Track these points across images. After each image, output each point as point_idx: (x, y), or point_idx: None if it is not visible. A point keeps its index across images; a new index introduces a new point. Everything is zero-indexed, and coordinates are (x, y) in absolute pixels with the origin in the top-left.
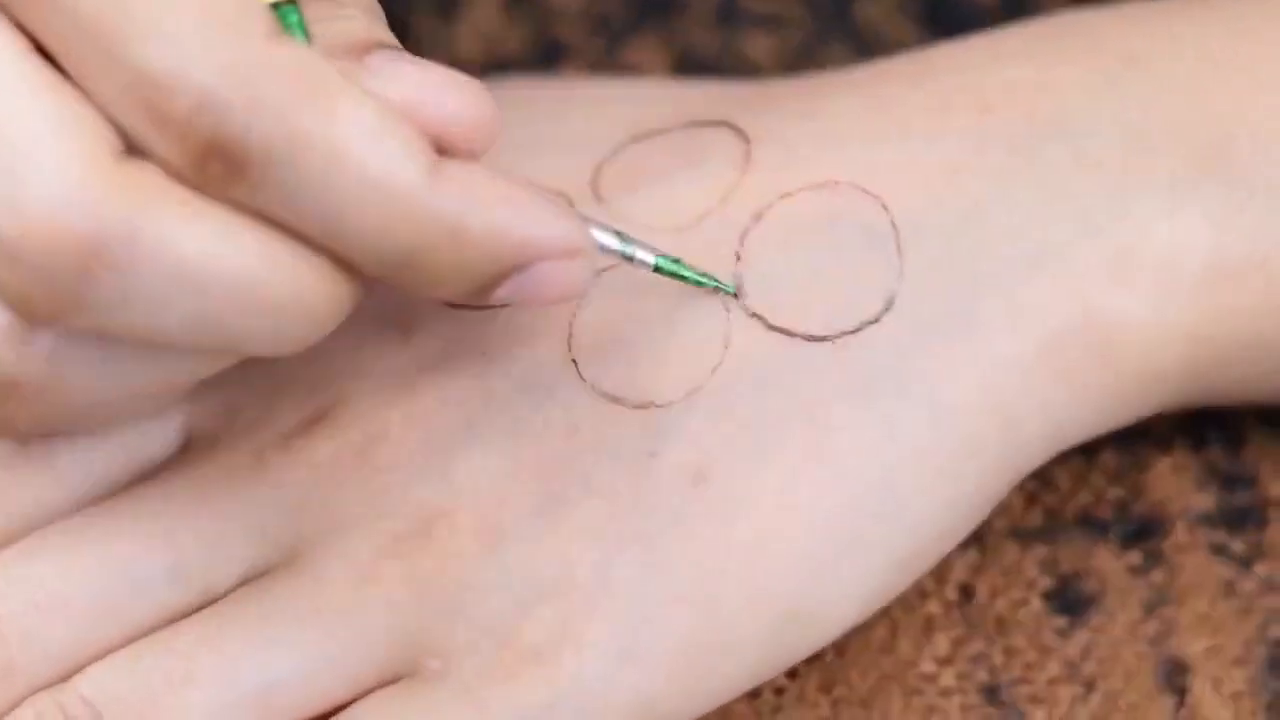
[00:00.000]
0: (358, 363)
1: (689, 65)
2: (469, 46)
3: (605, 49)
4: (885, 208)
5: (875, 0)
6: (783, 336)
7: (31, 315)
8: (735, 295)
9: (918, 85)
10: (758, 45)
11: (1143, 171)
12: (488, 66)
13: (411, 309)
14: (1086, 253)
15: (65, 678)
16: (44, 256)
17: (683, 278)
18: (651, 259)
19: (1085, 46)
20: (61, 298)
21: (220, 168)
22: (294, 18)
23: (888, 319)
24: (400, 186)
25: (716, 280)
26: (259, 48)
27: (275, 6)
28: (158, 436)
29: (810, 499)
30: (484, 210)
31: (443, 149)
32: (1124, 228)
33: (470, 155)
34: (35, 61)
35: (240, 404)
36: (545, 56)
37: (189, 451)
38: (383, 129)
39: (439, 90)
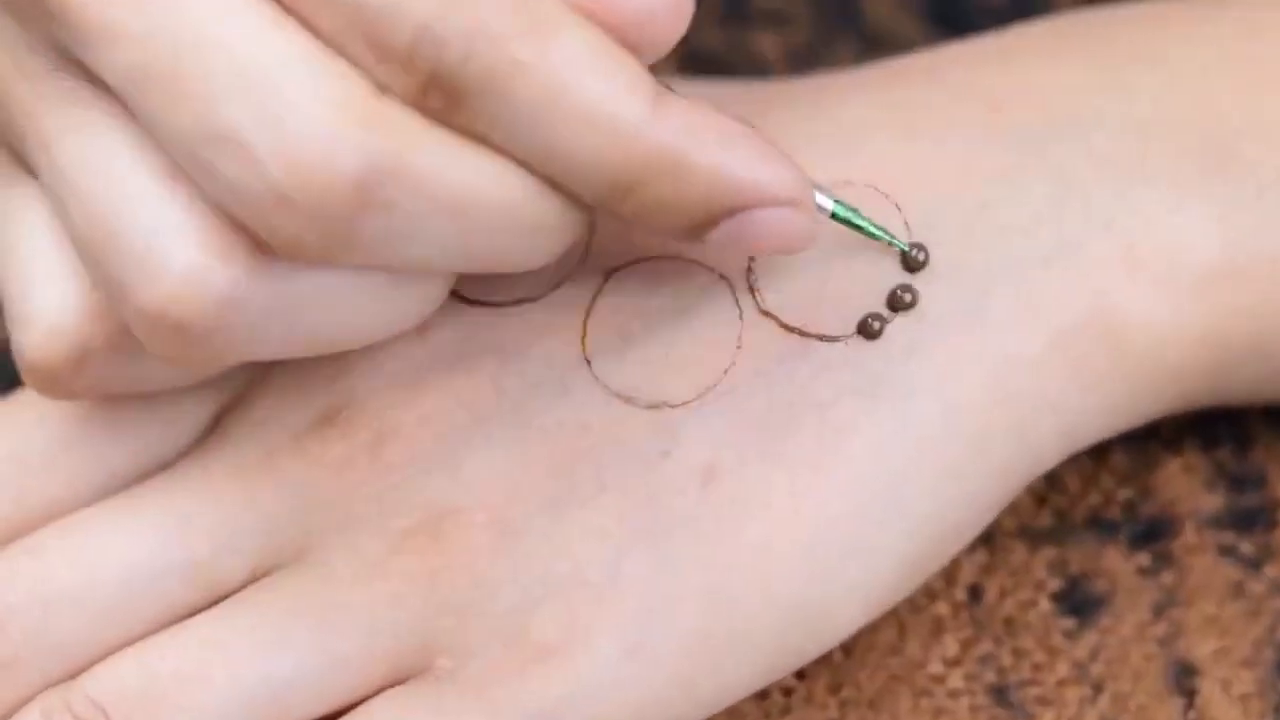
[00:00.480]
0: (370, 360)
1: (696, 62)
2: None
3: None
4: (898, 207)
5: None
6: (795, 336)
7: (301, 255)
8: (908, 252)
9: (928, 84)
10: (765, 42)
11: (1152, 168)
12: None
13: None
14: (1097, 250)
15: (72, 674)
16: (317, 197)
17: (858, 227)
18: (830, 205)
19: (1095, 45)
20: (335, 236)
21: (441, 98)
22: None
23: (899, 318)
24: (620, 119)
25: (891, 236)
26: (366, 92)
27: None
28: (171, 432)
29: (820, 499)
30: (705, 148)
31: (630, 45)
32: (1133, 225)
33: (654, 51)
34: (276, 8)
35: (252, 401)
36: None
37: (200, 448)
38: (602, 60)
39: None
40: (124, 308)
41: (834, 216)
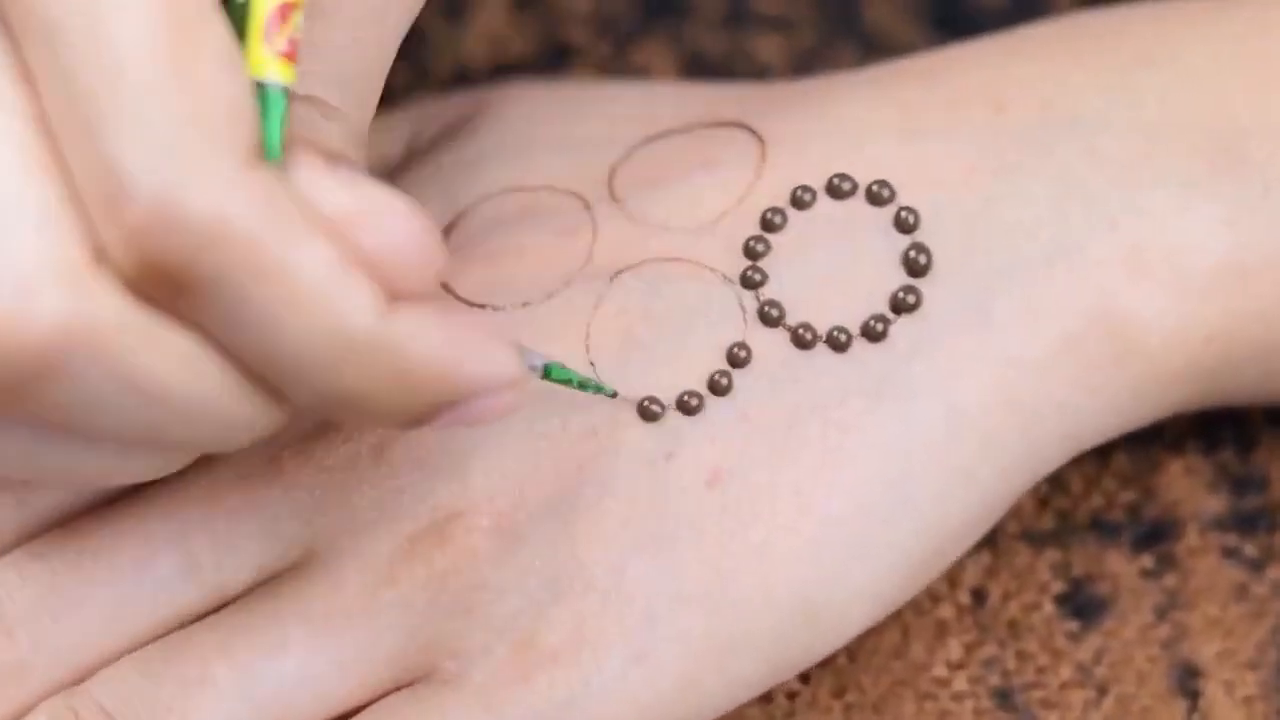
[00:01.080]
0: None
1: (697, 66)
2: (477, 48)
3: (613, 51)
4: (904, 208)
5: (884, 1)
6: (799, 338)
7: None
8: (614, 396)
9: (932, 84)
10: (766, 46)
11: (1157, 169)
12: (495, 68)
13: None
14: (1101, 250)
15: (78, 679)
16: (2, 352)
17: (567, 381)
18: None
19: (1100, 45)
20: (11, 392)
21: (164, 282)
22: (279, 106)
23: (903, 319)
24: (349, 330)
25: (600, 385)
26: (232, 169)
27: (261, 87)
28: None
29: (824, 500)
30: (432, 356)
31: (380, 278)
32: (1139, 225)
33: (405, 291)
34: (37, 136)
35: None
36: (553, 58)
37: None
38: (340, 273)
39: (384, 214)
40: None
41: (546, 375)
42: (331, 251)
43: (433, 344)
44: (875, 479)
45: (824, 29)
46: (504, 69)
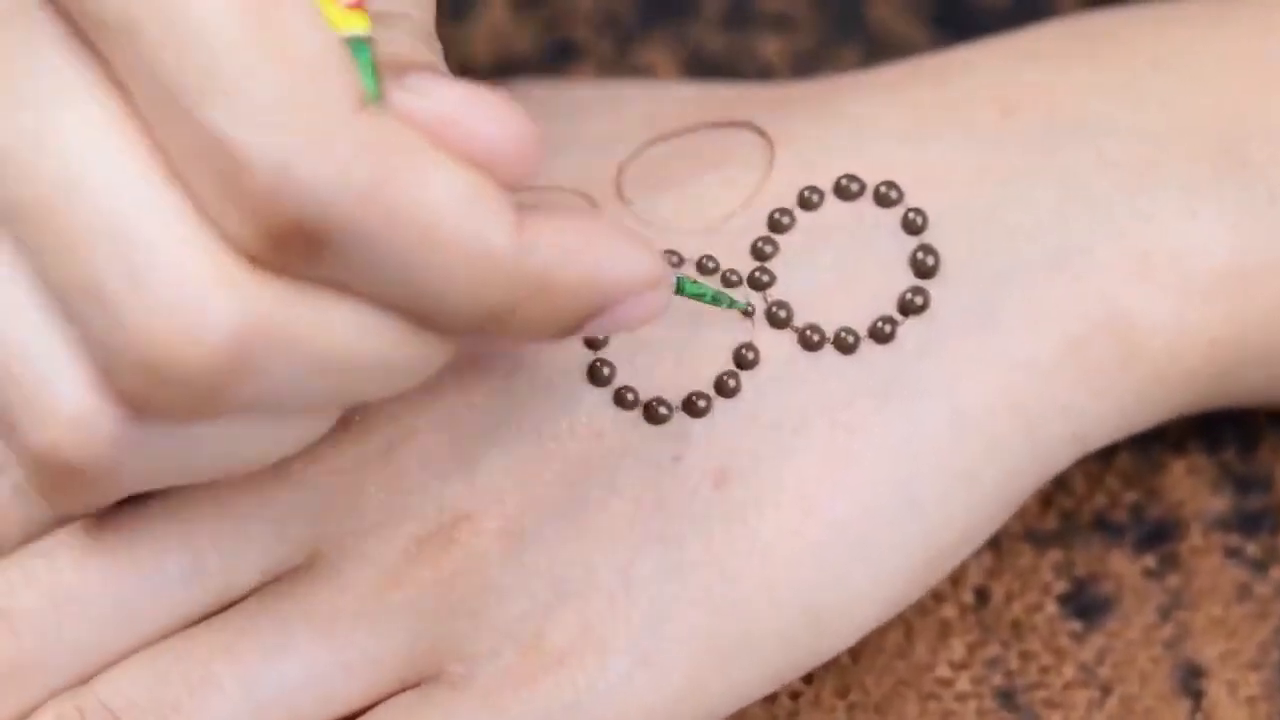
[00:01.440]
0: None
1: (700, 66)
2: (480, 47)
3: (616, 50)
4: (911, 210)
5: (887, 0)
6: (806, 339)
7: (169, 418)
8: (747, 311)
9: (938, 86)
10: (769, 46)
11: (1162, 173)
12: (498, 67)
13: None
14: (1107, 254)
15: (83, 679)
16: (182, 368)
17: (700, 296)
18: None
19: (1106, 48)
20: (203, 402)
21: (301, 246)
22: (365, 56)
23: (910, 321)
24: (491, 252)
25: (733, 299)
26: (343, 118)
27: (349, 41)
28: None
29: (829, 501)
30: (572, 261)
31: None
32: (1144, 229)
33: (506, 184)
34: (146, 143)
35: None
36: (556, 57)
37: None
38: (469, 196)
39: (477, 112)
40: (13, 443)
41: (680, 291)
42: (458, 177)
43: (571, 249)
44: (881, 481)
45: (826, 28)
46: (507, 67)
